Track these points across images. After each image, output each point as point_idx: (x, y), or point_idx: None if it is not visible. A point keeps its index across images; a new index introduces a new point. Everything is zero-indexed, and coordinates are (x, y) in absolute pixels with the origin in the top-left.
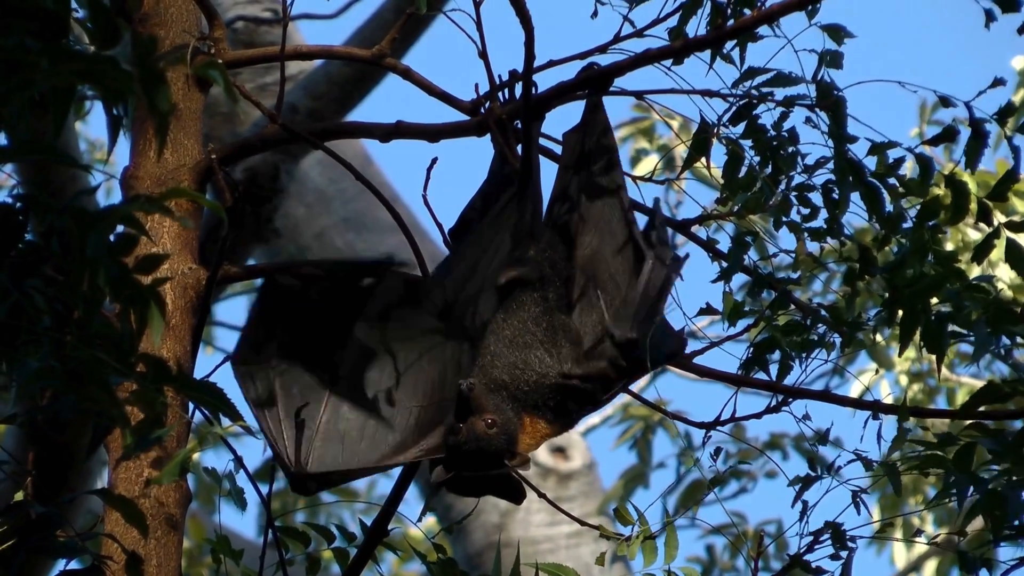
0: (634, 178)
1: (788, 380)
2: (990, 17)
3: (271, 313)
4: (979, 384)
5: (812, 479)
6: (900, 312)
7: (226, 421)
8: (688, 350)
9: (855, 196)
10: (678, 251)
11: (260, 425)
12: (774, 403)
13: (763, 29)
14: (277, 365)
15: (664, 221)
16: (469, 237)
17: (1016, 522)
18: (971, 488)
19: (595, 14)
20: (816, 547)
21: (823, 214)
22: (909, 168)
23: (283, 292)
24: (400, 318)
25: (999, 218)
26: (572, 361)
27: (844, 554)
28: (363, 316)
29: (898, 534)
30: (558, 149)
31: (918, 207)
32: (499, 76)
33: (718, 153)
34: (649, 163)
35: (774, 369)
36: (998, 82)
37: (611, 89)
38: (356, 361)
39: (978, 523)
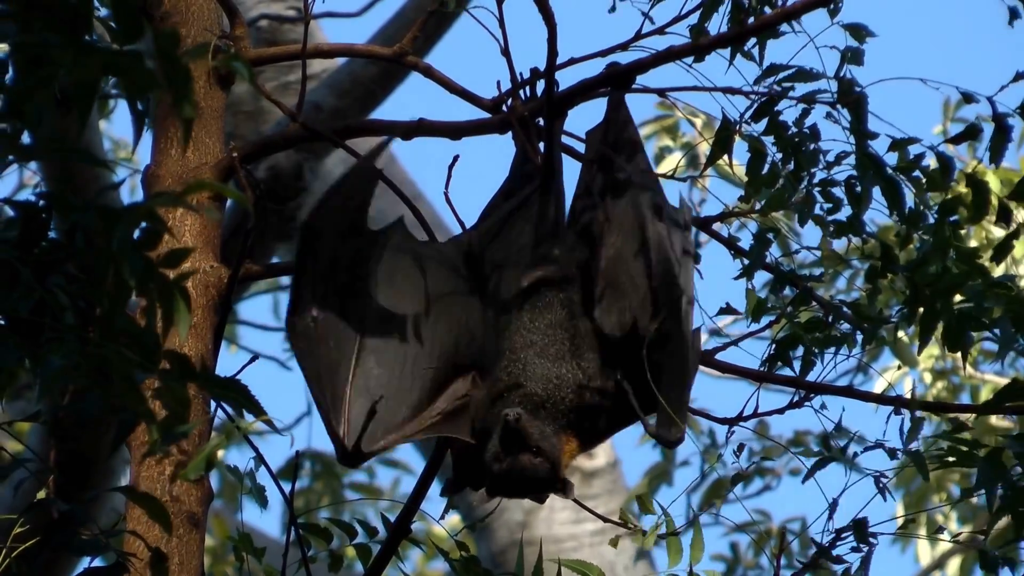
0: (658, 176)
1: (810, 377)
2: (1014, 15)
3: (313, 274)
4: (1003, 381)
5: (827, 459)
6: (921, 309)
7: (250, 418)
8: (710, 347)
9: (876, 193)
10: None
11: (312, 391)
12: (796, 399)
13: (784, 26)
14: (318, 318)
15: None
16: (495, 213)
17: None
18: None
19: (613, 8)
20: (839, 543)
21: (846, 210)
22: (932, 165)
23: (320, 250)
24: (421, 271)
25: (1020, 217)
26: (597, 373)
27: (865, 549)
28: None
29: (922, 531)
30: (580, 147)
31: (939, 204)
32: (521, 74)
33: (740, 150)
34: (673, 160)
35: (798, 366)
36: (1020, 76)
37: (634, 87)
38: (383, 315)
39: (1004, 521)
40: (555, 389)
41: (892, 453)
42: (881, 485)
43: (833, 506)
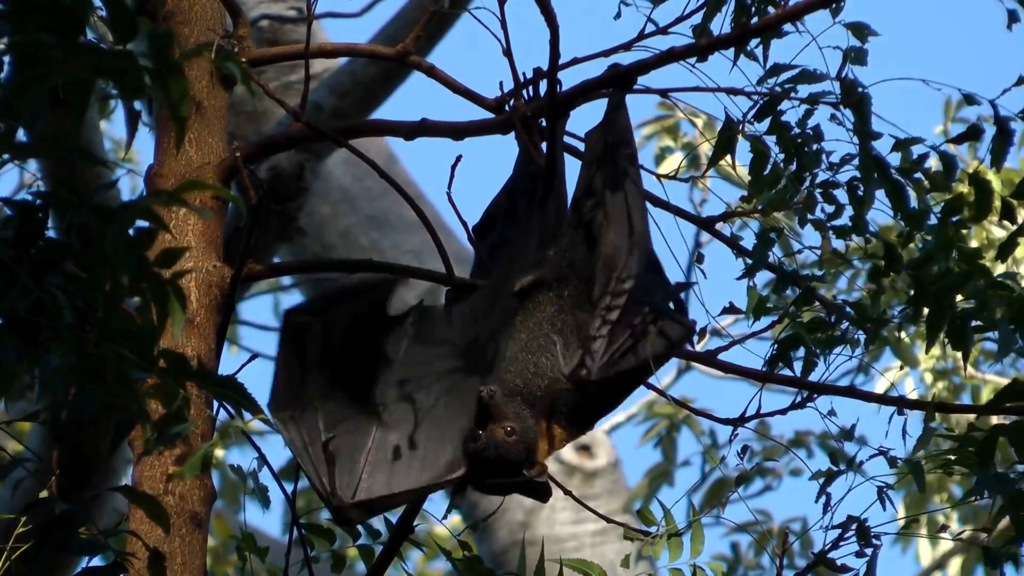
0: (659, 176)
1: (812, 377)
2: (1013, 18)
3: (298, 353)
4: (1004, 382)
5: (835, 473)
6: (926, 309)
7: (248, 417)
8: (712, 346)
9: (880, 193)
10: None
11: (302, 466)
12: (799, 400)
13: (787, 27)
14: (318, 404)
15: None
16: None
17: None
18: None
19: (618, 15)
20: (841, 544)
21: (848, 211)
22: (933, 165)
23: (304, 330)
24: (441, 339)
25: (1023, 216)
26: (581, 362)
27: (869, 551)
28: (399, 339)
29: (923, 531)
30: (583, 147)
31: (942, 204)
32: (523, 74)
33: (743, 151)
34: (674, 161)
35: (798, 366)
36: (1023, 80)
37: (636, 87)
38: (398, 389)
39: (1005, 520)
40: (533, 377)
41: (892, 462)
42: (883, 496)
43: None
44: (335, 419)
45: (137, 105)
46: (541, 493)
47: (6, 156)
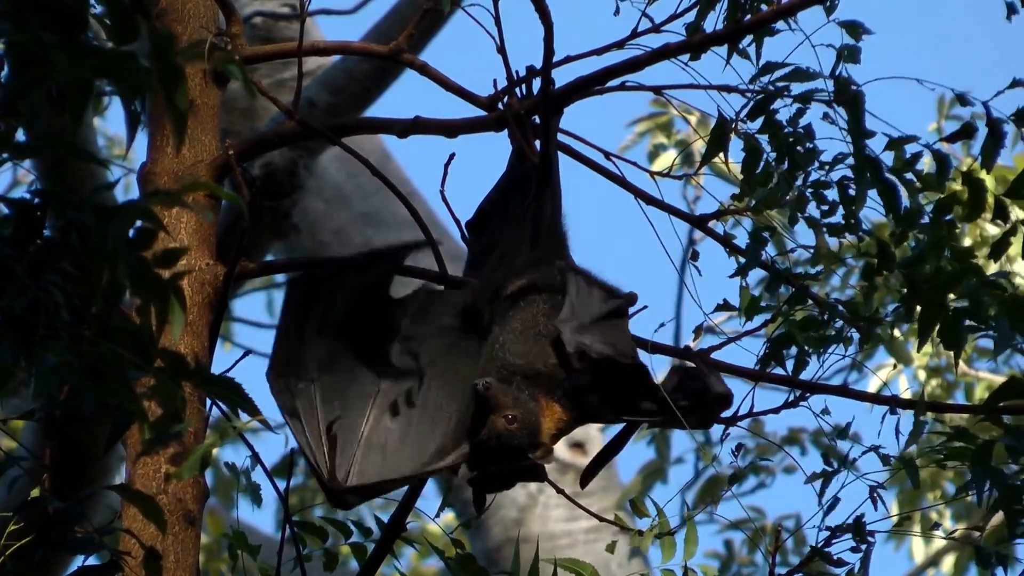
0: (652, 173)
1: (805, 375)
2: (1012, 10)
3: (300, 322)
4: (997, 379)
5: (830, 474)
6: (918, 308)
7: (245, 417)
8: (705, 345)
9: (872, 192)
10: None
11: (296, 438)
12: (792, 398)
13: (780, 24)
14: (316, 376)
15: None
16: (491, 245)
17: None
18: (989, 484)
19: (617, 11)
20: (835, 541)
21: (841, 210)
22: (927, 164)
23: (309, 298)
24: (435, 324)
25: (1016, 214)
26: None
27: (864, 548)
28: (396, 323)
29: (916, 529)
30: (576, 144)
31: (934, 203)
32: (517, 71)
33: (736, 148)
34: (667, 158)
35: (791, 365)
36: (1017, 83)
37: (630, 84)
38: (395, 369)
39: (997, 518)
40: (534, 357)
41: (885, 460)
42: (875, 495)
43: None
44: (331, 394)
45: (136, 105)
46: (538, 474)
47: (5, 155)
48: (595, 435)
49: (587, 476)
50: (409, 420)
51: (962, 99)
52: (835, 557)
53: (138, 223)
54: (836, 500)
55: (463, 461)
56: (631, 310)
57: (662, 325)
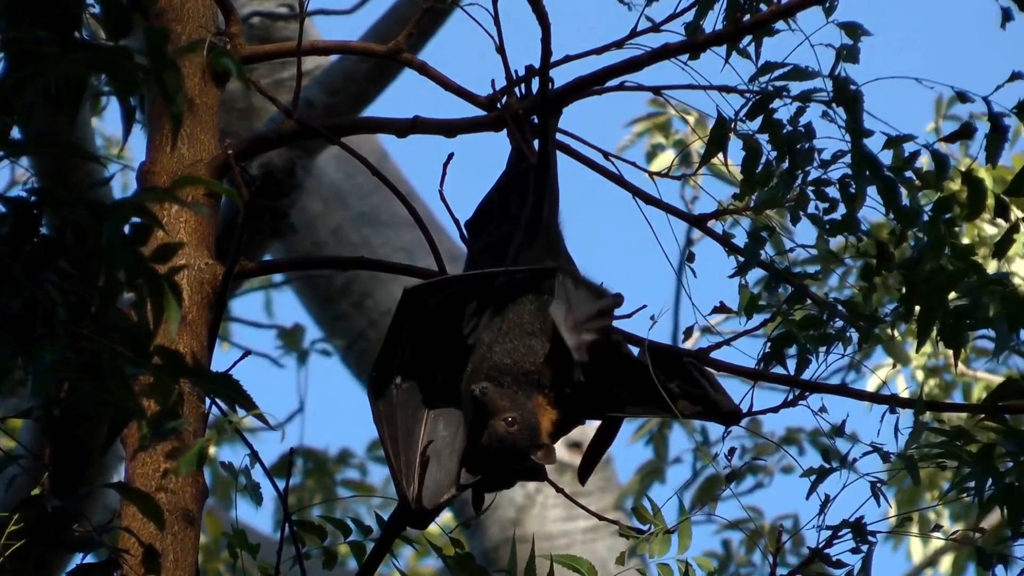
0: (651, 173)
1: (805, 375)
2: (1007, 17)
3: (402, 328)
4: (995, 379)
5: (827, 471)
6: (917, 307)
7: (243, 414)
8: (704, 345)
9: (872, 191)
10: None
11: (386, 454)
12: (790, 397)
13: (779, 24)
14: (400, 384)
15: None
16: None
17: None
18: (989, 482)
19: (630, 7)
20: (835, 542)
21: (840, 209)
22: (925, 163)
23: (414, 309)
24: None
25: (1016, 214)
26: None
27: (864, 548)
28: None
29: (914, 529)
30: (575, 144)
31: (934, 202)
32: (516, 71)
33: (735, 148)
34: (666, 159)
35: (791, 364)
36: (1016, 76)
37: (629, 84)
38: (445, 374)
39: (995, 518)
40: (523, 356)
41: (885, 457)
42: (877, 491)
43: (825, 502)
44: (411, 404)
45: (132, 101)
46: (538, 474)
47: (1, 153)
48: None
49: (585, 472)
50: (456, 425)
51: (962, 96)
52: (835, 558)
53: (133, 220)
54: (828, 498)
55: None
56: (625, 311)
57: (654, 322)
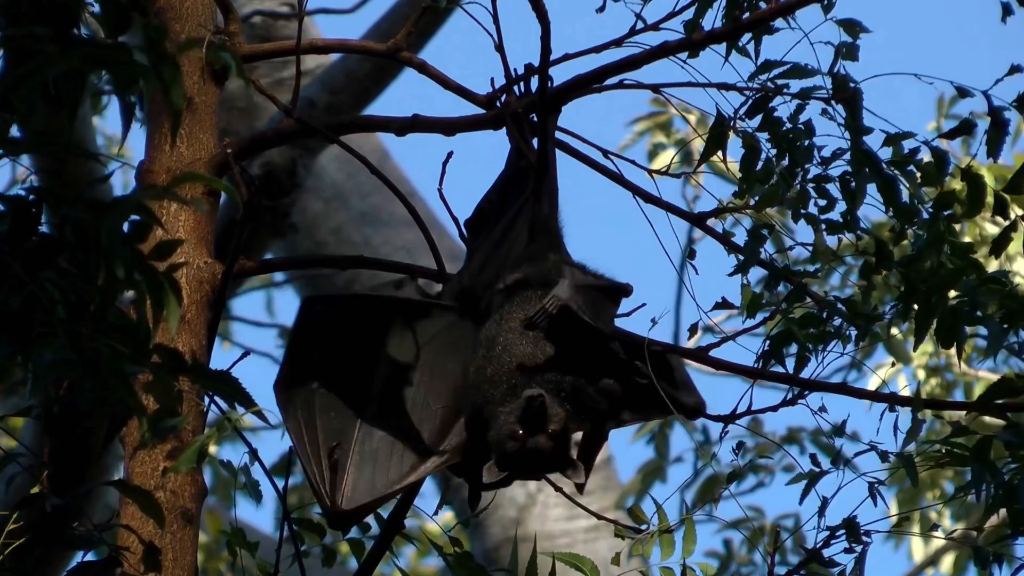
0: (651, 172)
1: (804, 374)
2: (1007, 11)
3: (308, 337)
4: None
5: (818, 474)
6: (915, 306)
7: (241, 411)
8: (704, 343)
9: (872, 189)
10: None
11: (299, 459)
12: (790, 396)
13: (778, 22)
14: (316, 389)
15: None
16: (486, 232)
17: None
18: (990, 483)
19: (602, 8)
20: (833, 542)
21: (840, 207)
22: (926, 159)
23: (319, 314)
24: (420, 324)
25: (1016, 211)
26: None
27: (858, 548)
28: (387, 332)
29: (915, 528)
30: (574, 143)
31: (934, 199)
32: (515, 70)
33: (735, 146)
34: (666, 157)
35: (790, 363)
36: (1015, 69)
37: (628, 82)
38: (384, 377)
39: (995, 518)
40: (544, 363)
41: (884, 456)
42: (874, 491)
43: (824, 504)
44: (331, 414)
45: (131, 98)
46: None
47: (1, 152)
48: None
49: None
50: (399, 425)
51: (962, 91)
52: (830, 558)
53: (132, 218)
54: (825, 500)
55: (452, 461)
56: (629, 307)
57: (655, 322)
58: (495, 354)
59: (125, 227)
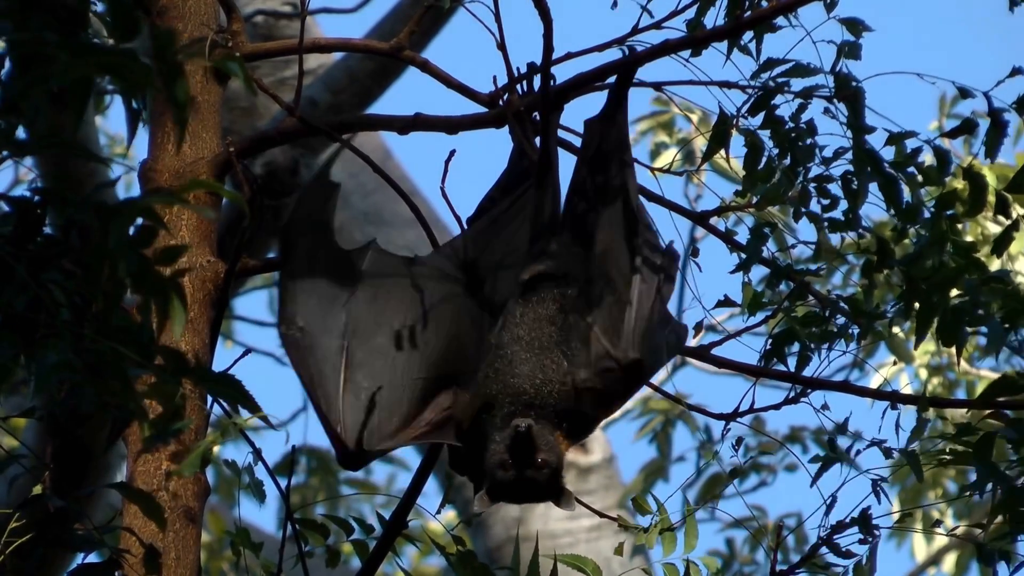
0: (654, 170)
1: (807, 372)
2: (1014, 1)
3: (295, 283)
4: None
5: (830, 460)
6: (917, 305)
7: (245, 414)
8: (706, 341)
9: (873, 187)
10: (671, 247)
11: (307, 391)
12: (793, 394)
13: (780, 21)
14: (309, 331)
15: (647, 225)
16: (488, 214)
17: None
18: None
19: (615, 4)
20: (838, 537)
21: (842, 205)
22: (927, 160)
23: (299, 259)
24: (427, 284)
25: (1017, 211)
26: (584, 367)
27: (871, 540)
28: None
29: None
30: (576, 141)
31: (936, 199)
32: (517, 68)
33: (737, 145)
34: (669, 156)
35: (792, 361)
36: (1016, 71)
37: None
38: (368, 328)
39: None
40: (541, 384)
41: (887, 453)
42: (877, 488)
43: (833, 502)
44: (337, 360)
45: (136, 104)
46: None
47: (5, 153)
48: (597, 434)
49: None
50: (385, 382)
51: (963, 91)
52: (847, 549)
53: (139, 221)
54: (834, 498)
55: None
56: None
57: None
58: (502, 367)
59: (132, 231)
